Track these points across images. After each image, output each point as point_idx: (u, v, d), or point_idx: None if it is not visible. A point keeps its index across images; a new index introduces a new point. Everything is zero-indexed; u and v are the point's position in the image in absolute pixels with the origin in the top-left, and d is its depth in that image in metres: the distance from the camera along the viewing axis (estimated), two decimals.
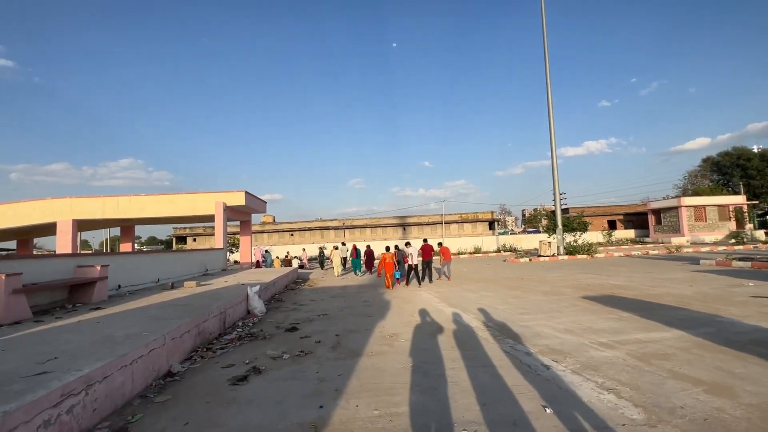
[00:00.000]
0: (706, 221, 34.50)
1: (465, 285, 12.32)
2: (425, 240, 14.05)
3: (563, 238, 23.37)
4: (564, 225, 23.85)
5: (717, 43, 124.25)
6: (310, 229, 45.44)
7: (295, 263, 22.30)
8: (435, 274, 14.99)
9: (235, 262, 27.63)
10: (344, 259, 18.54)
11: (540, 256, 22.86)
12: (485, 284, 12.25)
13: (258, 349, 5.64)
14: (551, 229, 24.14)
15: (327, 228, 45.37)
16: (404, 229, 44.66)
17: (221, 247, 17.05)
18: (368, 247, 18.55)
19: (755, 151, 48.74)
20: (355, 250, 18.20)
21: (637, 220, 44.17)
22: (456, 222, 43.59)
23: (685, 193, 53.25)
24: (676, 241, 34.07)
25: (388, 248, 13.53)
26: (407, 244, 13.77)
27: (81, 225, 18.22)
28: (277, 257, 22.65)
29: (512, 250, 32.25)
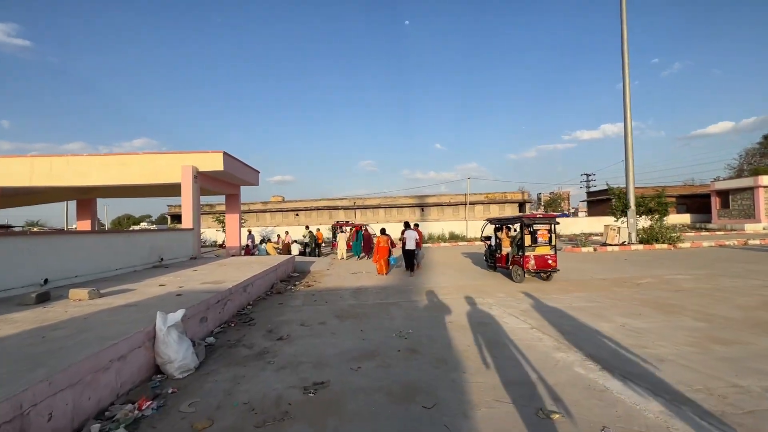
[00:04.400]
0: None
1: (553, 293, 7.55)
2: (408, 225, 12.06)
3: (635, 222, 18.31)
4: (637, 206, 18.73)
5: (743, 24, 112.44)
6: (317, 209, 40.93)
7: (295, 249, 17.80)
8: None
9: (220, 246, 23.38)
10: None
11: (606, 244, 17.92)
12: (588, 290, 7.48)
13: None
14: (619, 211, 19.11)
15: (336, 208, 40.79)
16: (422, 210, 39.82)
17: (190, 227, 12.51)
18: (366, 230, 17.15)
19: None
20: (356, 233, 17.14)
21: (691, 203, 38.43)
22: (481, 203, 38.52)
23: (740, 174, 46.96)
24: (749, 227, 28.61)
25: (383, 230, 12.19)
26: (408, 226, 11.88)
27: (4, 195, 13.90)
28: (270, 241, 18.12)
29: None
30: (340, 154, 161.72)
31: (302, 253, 17.94)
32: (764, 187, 28.82)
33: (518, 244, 9.71)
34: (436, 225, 32.19)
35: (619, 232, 18.01)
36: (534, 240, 9.66)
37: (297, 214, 41.15)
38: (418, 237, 11.60)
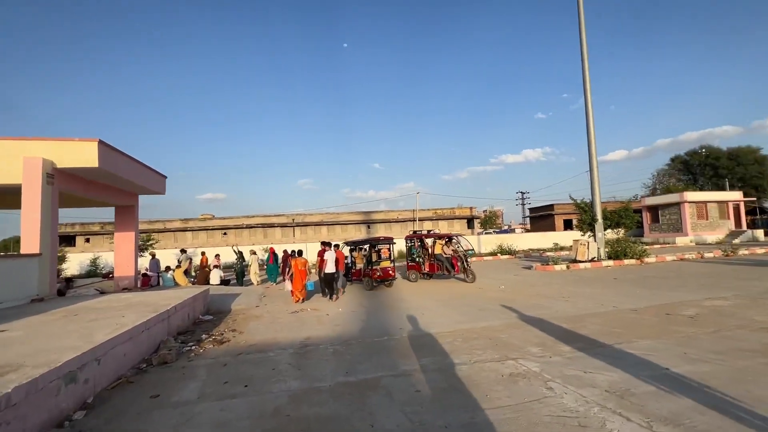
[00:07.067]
0: (707, 219, 31.02)
1: (605, 338, 4.92)
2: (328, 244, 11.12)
3: (603, 237, 17.20)
4: (604, 219, 17.69)
5: (633, 65, 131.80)
6: (249, 227, 35.96)
7: (215, 277, 13.62)
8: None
9: (106, 275, 18.07)
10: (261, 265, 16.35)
11: (576, 260, 16.45)
12: (648, 334, 4.99)
13: None
14: (586, 224, 17.97)
15: (272, 225, 36.21)
16: (369, 227, 36.92)
17: (35, 251, 8.07)
18: (285, 251, 15.11)
19: (724, 150, 48.01)
20: (273, 254, 15.86)
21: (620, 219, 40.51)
22: (430, 219, 36.73)
23: (654, 192, 51.60)
24: (679, 240, 30.15)
25: (300, 252, 11.03)
26: (327, 245, 10.89)
27: None
28: (178, 267, 13.72)
29: (510, 252, 25.90)
30: (277, 172, 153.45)
31: (224, 282, 13.81)
32: (689, 202, 30.73)
33: (368, 260, 12.31)
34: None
35: (588, 248, 16.69)
36: (379, 256, 12.63)
37: (225, 233, 35.76)
38: (338, 260, 10.77)
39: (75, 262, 26.23)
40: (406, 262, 14.51)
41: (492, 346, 5.19)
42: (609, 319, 6.43)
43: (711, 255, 17.95)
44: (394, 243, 13.20)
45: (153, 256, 14.71)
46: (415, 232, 14.90)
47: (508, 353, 4.85)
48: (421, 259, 13.53)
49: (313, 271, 14.19)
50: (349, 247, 13.60)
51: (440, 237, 13.68)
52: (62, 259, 23.95)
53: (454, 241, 13.34)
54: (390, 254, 12.84)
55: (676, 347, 4.73)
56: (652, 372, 3.93)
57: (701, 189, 46.44)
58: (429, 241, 14.24)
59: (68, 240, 33.60)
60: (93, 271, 24.35)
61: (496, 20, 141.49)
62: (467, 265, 12.29)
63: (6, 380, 3.06)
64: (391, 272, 12.01)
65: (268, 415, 3.42)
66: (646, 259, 16.55)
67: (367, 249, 12.82)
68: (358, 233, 35.90)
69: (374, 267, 11.88)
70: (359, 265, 12.96)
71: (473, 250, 13.68)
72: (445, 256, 12.81)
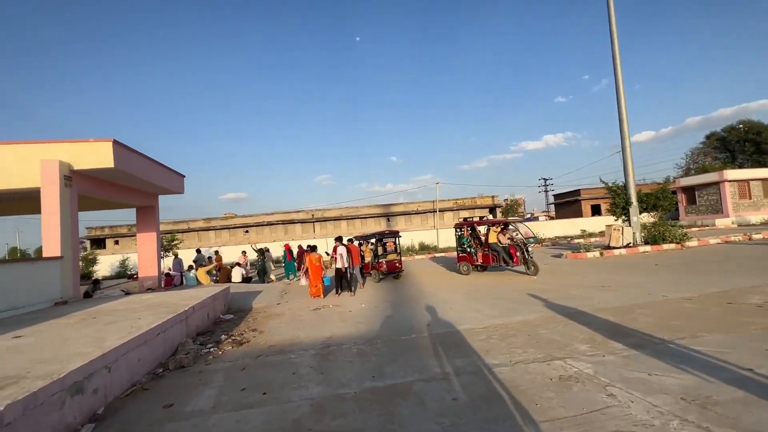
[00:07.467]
0: (750, 198, 28.93)
1: (661, 332, 4.31)
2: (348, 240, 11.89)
3: (638, 221, 16.15)
4: (639, 202, 16.62)
5: (658, 42, 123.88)
6: (270, 224, 36.21)
7: (237, 275, 13.56)
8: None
9: (131, 276, 18.34)
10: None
11: (610, 247, 15.51)
12: (710, 328, 4.35)
13: None
14: (620, 208, 16.93)
15: (292, 222, 36.33)
16: (388, 219, 36.51)
17: (56, 254, 8.05)
18: (299, 247, 15.21)
19: (766, 124, 44.70)
20: (289, 250, 15.75)
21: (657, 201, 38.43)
22: (451, 209, 35.94)
23: (687, 173, 48.78)
24: (719, 222, 28.26)
25: (314, 247, 11.03)
26: (340, 240, 10.71)
27: None
28: (201, 266, 13.71)
29: (538, 240, 24.96)
30: (296, 169, 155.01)
31: (246, 280, 13.71)
32: (729, 181, 28.73)
33: (375, 253, 12.65)
34: (404, 235, 28.93)
35: (623, 233, 15.69)
36: (385, 250, 13.30)
37: (246, 231, 36.14)
38: (352, 254, 10.56)
39: (106, 264, 27.03)
40: (456, 253, 13.31)
41: (533, 344, 4.67)
42: (661, 310, 5.77)
43: (760, 236, 16.59)
44: (400, 236, 13.54)
45: (176, 255, 14.81)
46: (465, 219, 13.36)
47: (553, 352, 4.33)
48: (472, 250, 12.19)
49: (330, 265, 13.91)
50: (357, 242, 13.32)
51: (494, 224, 12.37)
52: (93, 261, 24.71)
53: (510, 228, 12.02)
54: (396, 247, 13.30)
55: (751, 342, 4.09)
56: (731, 374, 3.34)
57: (741, 166, 43.59)
58: (482, 229, 13.07)
59: (99, 243, 34.76)
60: (122, 273, 25.01)
61: (511, 3, 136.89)
62: (528, 255, 10.68)
63: (3, 395, 2.80)
64: (397, 264, 12.37)
65: (287, 428, 3.05)
66: (687, 243, 15.43)
67: (374, 243, 13.01)
68: (378, 226, 35.56)
69: (380, 260, 12.28)
70: (367, 259, 13.18)
71: (535, 237, 12.13)
72: (501, 245, 11.39)
